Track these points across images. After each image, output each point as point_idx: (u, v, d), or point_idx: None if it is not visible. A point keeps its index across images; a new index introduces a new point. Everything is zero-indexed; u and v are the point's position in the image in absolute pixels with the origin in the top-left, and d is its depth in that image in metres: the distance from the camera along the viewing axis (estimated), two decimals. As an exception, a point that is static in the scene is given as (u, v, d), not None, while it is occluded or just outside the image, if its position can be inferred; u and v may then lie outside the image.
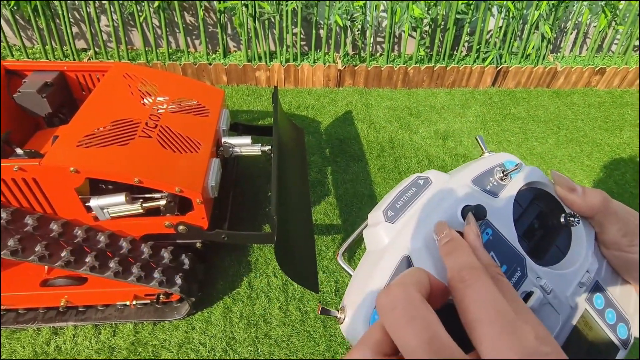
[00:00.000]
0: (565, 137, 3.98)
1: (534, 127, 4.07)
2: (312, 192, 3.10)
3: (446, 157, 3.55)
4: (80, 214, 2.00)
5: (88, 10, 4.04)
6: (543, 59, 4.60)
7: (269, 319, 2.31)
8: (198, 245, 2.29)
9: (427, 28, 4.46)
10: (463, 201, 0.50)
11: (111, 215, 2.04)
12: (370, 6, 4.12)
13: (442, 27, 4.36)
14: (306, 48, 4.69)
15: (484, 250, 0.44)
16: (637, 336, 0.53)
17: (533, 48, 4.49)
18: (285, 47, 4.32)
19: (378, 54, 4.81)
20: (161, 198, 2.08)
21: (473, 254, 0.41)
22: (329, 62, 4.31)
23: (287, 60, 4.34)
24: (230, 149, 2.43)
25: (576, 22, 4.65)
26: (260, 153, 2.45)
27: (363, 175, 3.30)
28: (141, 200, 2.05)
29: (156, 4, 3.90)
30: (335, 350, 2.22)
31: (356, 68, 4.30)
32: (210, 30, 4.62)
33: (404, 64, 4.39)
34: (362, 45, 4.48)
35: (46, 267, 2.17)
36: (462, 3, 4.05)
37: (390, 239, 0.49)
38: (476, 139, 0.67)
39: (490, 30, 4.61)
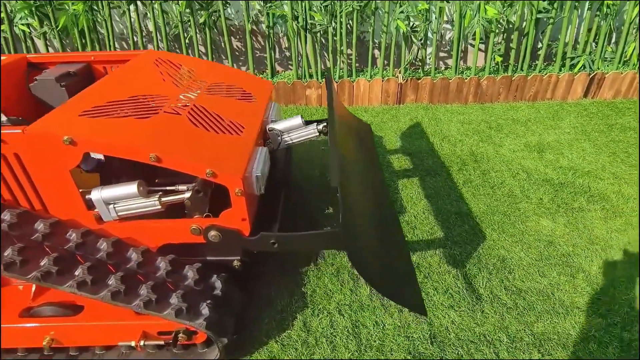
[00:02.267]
0: (701, 147, 3.08)
1: (653, 137, 3.22)
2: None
3: (549, 171, 2.77)
4: (78, 211, 1.44)
5: (135, 39, 3.90)
6: (646, 63, 3.84)
7: (334, 378, 1.54)
8: (236, 263, 1.64)
9: (501, 31, 3.90)
10: None
11: (119, 213, 1.46)
12: (435, 9, 3.65)
13: (519, 29, 3.78)
14: (361, 66, 4.26)
15: None
16: None
17: (634, 51, 3.76)
18: (339, 62, 3.90)
19: (443, 68, 4.28)
20: (186, 190, 1.51)
21: None
22: (388, 76, 3.81)
23: (341, 77, 3.90)
24: (279, 137, 1.85)
25: (681, 21, 3.91)
26: (317, 134, 1.85)
27: (444, 190, 2.58)
28: (160, 193, 1.48)
29: (202, 19, 3.67)
30: None
31: (420, 81, 3.75)
32: (257, 55, 4.36)
33: (475, 75, 3.79)
34: (425, 58, 3.97)
35: (33, 288, 1.60)
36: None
37: None
38: None
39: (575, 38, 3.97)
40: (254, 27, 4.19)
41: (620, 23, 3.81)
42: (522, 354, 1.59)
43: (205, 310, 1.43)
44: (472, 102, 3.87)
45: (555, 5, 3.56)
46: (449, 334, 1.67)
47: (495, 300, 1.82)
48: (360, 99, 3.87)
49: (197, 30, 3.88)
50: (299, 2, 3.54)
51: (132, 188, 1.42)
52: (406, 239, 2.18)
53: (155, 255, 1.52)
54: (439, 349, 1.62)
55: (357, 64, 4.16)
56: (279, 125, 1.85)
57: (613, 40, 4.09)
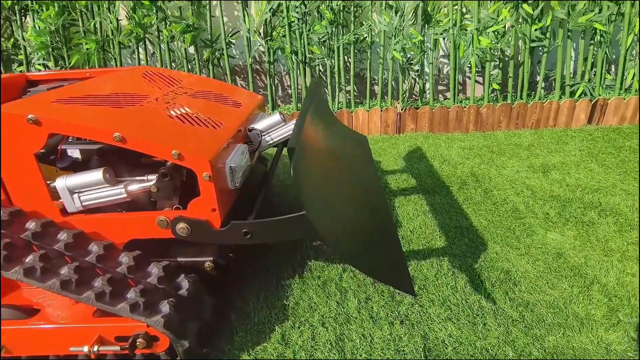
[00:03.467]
0: None
1: (666, 158, 3.07)
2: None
3: (555, 188, 2.62)
4: (42, 201, 1.38)
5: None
6: (649, 89, 3.78)
7: (312, 395, 1.34)
8: (207, 265, 1.52)
9: (496, 62, 3.95)
10: None
11: (84, 203, 1.39)
12: (429, 40, 3.74)
13: (515, 59, 3.82)
14: (360, 98, 4.33)
15: None
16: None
17: (634, 77, 3.73)
18: (337, 95, 3.96)
19: (442, 99, 4.30)
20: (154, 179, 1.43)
21: None
22: (387, 107, 3.83)
23: (340, 108, 3.93)
24: (259, 138, 1.80)
25: (680, 49, 3.91)
26: None
27: (443, 207, 2.44)
28: (127, 181, 1.42)
29: (205, 55, 3.83)
30: None
31: (418, 110, 3.75)
32: (260, 92, 4.48)
33: (474, 104, 3.78)
34: (424, 90, 4.00)
35: (-11, 291, 1.48)
36: (536, 29, 3.56)
37: None
38: None
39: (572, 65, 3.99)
40: (258, 67, 4.35)
41: (617, 53, 3.82)
42: (531, 369, 1.37)
43: (165, 308, 1.29)
44: (473, 131, 3.82)
45: (548, 34, 3.61)
46: (446, 348, 1.47)
47: (499, 312, 1.62)
48: (359, 130, 3.86)
49: (202, 67, 4.04)
50: (298, 37, 3.69)
51: (97, 175, 1.36)
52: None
53: (120, 250, 1.42)
54: (434, 364, 1.41)
55: (356, 100, 4.22)
56: (258, 125, 1.81)
57: (612, 70, 4.09)
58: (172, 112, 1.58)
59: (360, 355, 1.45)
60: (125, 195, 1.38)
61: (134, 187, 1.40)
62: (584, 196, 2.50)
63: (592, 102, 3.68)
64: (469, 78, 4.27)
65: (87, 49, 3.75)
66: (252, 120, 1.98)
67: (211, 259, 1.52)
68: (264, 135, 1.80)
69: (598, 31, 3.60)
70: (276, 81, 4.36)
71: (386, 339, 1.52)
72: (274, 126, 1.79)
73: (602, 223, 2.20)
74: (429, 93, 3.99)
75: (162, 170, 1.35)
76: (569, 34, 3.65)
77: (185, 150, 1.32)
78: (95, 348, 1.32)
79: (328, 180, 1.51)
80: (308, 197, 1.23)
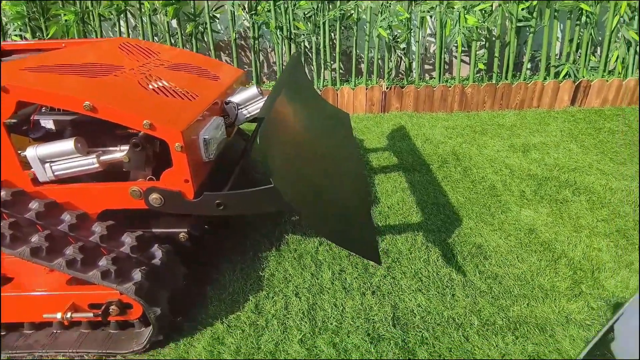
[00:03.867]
0: (693, 148, 2.98)
1: (643, 140, 3.13)
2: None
3: (533, 167, 2.66)
4: (13, 170, 1.37)
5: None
6: (632, 71, 3.81)
7: (281, 358, 1.38)
8: (182, 236, 1.53)
9: (483, 41, 3.93)
10: None
11: (55, 173, 1.39)
12: (416, 18, 3.70)
13: (501, 39, 3.81)
14: (347, 76, 4.30)
15: None
16: None
17: (617, 59, 3.75)
18: (323, 73, 3.93)
19: (428, 78, 4.29)
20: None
21: None
22: (372, 85, 3.81)
23: (325, 85, 3.91)
24: (236, 111, 1.79)
25: (665, 32, 3.93)
26: None
27: (422, 184, 2.48)
28: (99, 152, 1.41)
29: (188, 29, 3.75)
30: None
31: (404, 89, 3.74)
32: (245, 69, 4.41)
33: (459, 83, 3.78)
34: (409, 67, 3.99)
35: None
36: (523, 8, 3.54)
37: None
38: None
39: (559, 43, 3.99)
40: (243, 43, 4.27)
41: (602, 34, 3.83)
42: (494, 336, 1.43)
43: (137, 275, 1.31)
44: (457, 110, 3.83)
45: (535, 14, 3.60)
46: (414, 317, 1.52)
47: (467, 284, 1.67)
48: (344, 107, 3.85)
49: (185, 42, 3.95)
50: (283, 12, 3.62)
51: (68, 144, 1.35)
52: (377, 226, 2.06)
53: (93, 220, 1.42)
54: (402, 332, 1.46)
55: (342, 77, 4.19)
56: (235, 98, 1.79)
57: (598, 52, 4.10)
58: (147, 83, 1.56)
59: (331, 324, 1.49)
60: (97, 165, 1.37)
61: (105, 157, 1.39)
62: (560, 175, 2.55)
63: (576, 84, 3.71)
64: (455, 57, 4.25)
65: (66, 20, 3.63)
66: (231, 94, 1.96)
67: (185, 230, 1.53)
68: (241, 108, 1.79)
69: (584, 12, 3.59)
70: (261, 57, 4.31)
71: (357, 309, 1.56)
72: (251, 99, 1.78)
73: (575, 201, 2.25)
74: (415, 72, 3.98)
75: (134, 140, 1.35)
76: (556, 14, 3.64)
77: (157, 120, 1.32)
78: (69, 315, 1.34)
79: (300, 152, 1.52)
80: (274, 164, 1.25)
